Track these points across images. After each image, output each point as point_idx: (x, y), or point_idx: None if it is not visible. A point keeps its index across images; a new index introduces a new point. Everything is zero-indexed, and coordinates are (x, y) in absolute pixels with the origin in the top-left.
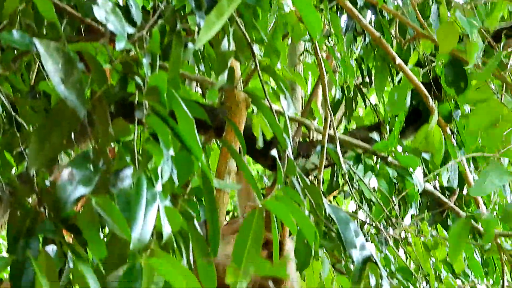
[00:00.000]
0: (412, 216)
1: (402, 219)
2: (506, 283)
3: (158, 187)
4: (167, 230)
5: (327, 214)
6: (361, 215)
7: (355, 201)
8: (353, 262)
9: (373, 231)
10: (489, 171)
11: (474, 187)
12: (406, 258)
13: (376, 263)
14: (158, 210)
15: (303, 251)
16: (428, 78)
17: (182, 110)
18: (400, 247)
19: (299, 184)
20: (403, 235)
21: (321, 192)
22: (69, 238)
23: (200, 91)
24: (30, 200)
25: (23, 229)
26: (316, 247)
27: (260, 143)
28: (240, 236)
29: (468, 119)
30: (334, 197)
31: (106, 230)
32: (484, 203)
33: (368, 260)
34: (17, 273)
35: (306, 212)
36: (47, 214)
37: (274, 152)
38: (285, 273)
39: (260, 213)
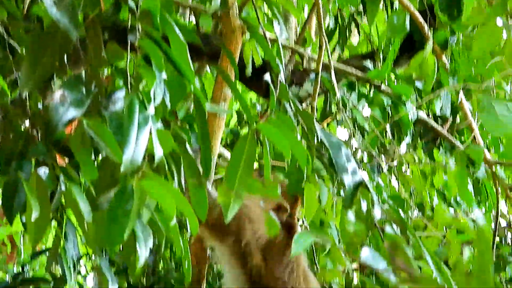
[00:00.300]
0: (407, 144)
1: (398, 145)
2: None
3: (151, 109)
4: (159, 152)
5: (319, 140)
6: (355, 144)
7: (348, 128)
8: (344, 187)
9: (366, 159)
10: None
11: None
12: (399, 186)
13: (367, 188)
14: (150, 133)
15: (295, 175)
16: (423, 6)
17: (175, 34)
18: (393, 175)
19: (292, 109)
20: (395, 163)
21: (313, 117)
22: (61, 161)
23: (194, 20)
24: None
25: (15, 151)
26: (308, 171)
27: (249, 70)
28: (233, 159)
29: (463, 46)
30: (328, 124)
31: (99, 157)
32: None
33: (359, 185)
34: (9, 195)
35: (299, 137)
36: (39, 137)
37: (267, 77)
38: (276, 194)
39: (253, 136)
